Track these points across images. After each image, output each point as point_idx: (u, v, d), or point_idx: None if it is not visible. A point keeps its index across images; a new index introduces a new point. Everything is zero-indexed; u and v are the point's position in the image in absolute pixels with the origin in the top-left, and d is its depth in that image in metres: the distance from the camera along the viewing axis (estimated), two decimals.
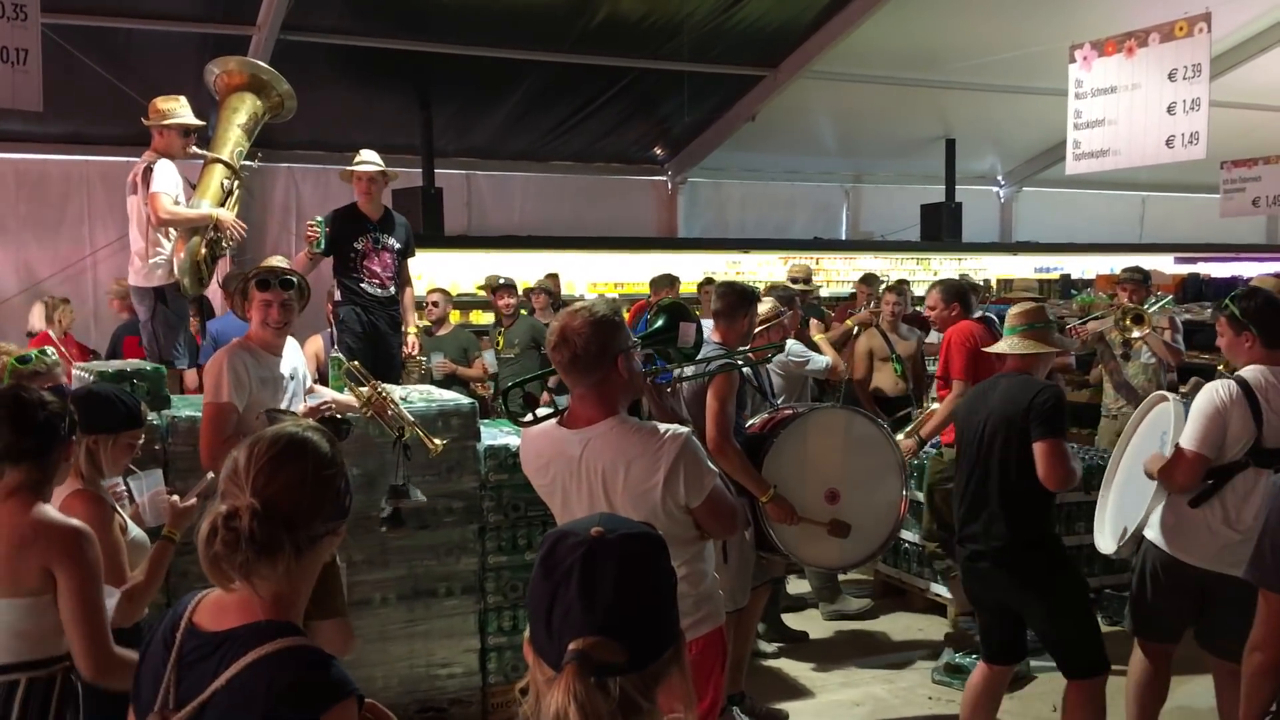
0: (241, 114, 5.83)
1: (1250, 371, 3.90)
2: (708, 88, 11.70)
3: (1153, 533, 4.07)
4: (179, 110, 5.67)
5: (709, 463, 2.98)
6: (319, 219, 5.97)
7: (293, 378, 4.24)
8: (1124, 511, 4.51)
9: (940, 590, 6.21)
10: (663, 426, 2.94)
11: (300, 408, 4.14)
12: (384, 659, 4.82)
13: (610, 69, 11.03)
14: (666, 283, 9.61)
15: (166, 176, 5.54)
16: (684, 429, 2.96)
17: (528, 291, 9.40)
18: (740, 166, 14.01)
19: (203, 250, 5.64)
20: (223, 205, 5.72)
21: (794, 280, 8.27)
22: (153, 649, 1.90)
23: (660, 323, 3.53)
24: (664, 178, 13.88)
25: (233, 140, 5.80)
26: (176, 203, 5.57)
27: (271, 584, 1.82)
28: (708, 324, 4.57)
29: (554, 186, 13.08)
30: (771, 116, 12.27)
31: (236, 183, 5.84)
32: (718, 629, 3.07)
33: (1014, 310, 4.41)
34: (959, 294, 6.13)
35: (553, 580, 1.46)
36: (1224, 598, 3.82)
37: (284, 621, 1.83)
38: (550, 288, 9.72)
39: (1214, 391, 3.90)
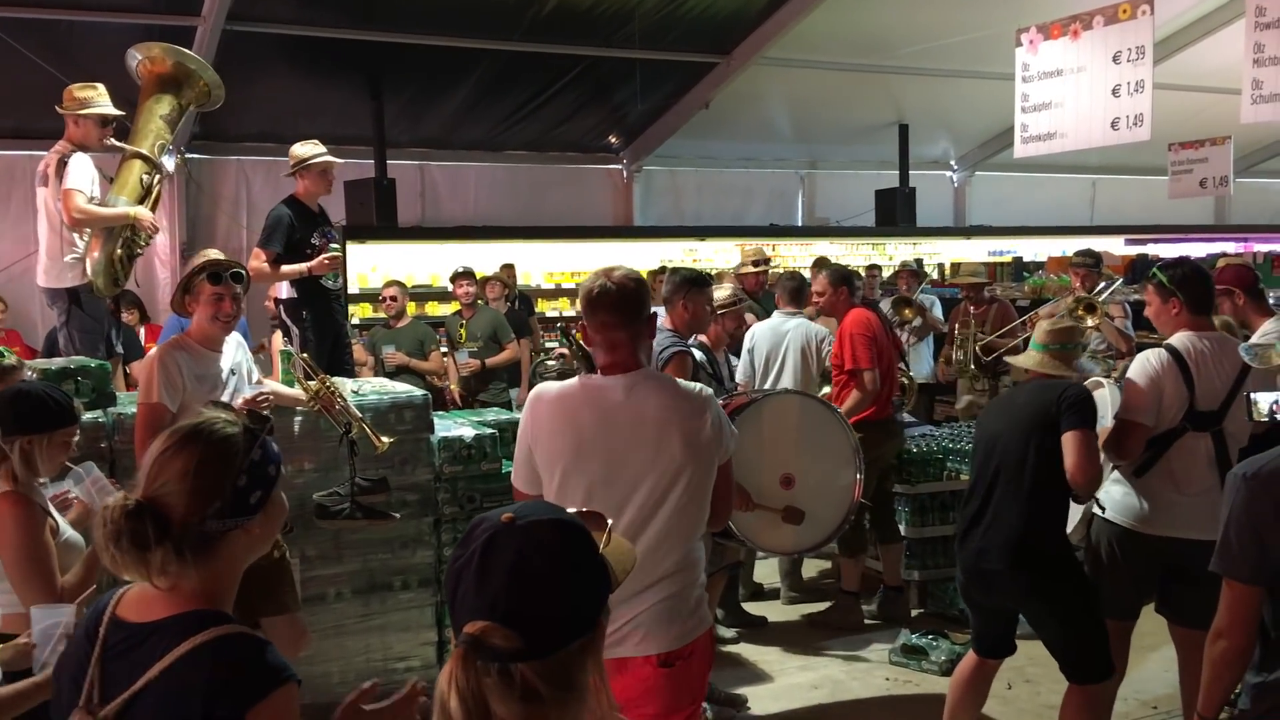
0: (164, 104, 5.49)
1: (1179, 339, 4.01)
2: (661, 75, 11.68)
3: (1105, 510, 4.13)
4: (96, 99, 5.37)
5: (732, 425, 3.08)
6: (336, 246, 5.80)
7: (234, 373, 4.16)
8: None
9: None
10: (689, 383, 3.05)
11: (239, 401, 4.09)
12: (340, 654, 4.79)
13: (562, 57, 10.99)
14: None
15: (81, 172, 5.25)
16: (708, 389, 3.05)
17: (482, 281, 9.35)
18: (695, 154, 14.03)
19: (119, 250, 5.35)
20: (142, 202, 5.40)
21: (755, 263, 8.26)
22: (72, 645, 1.88)
23: None
24: (619, 166, 13.86)
25: (153, 133, 5.46)
26: (91, 200, 5.29)
27: (171, 579, 1.80)
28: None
29: (508, 176, 13.02)
30: (725, 104, 12.28)
31: (158, 178, 5.50)
32: (711, 629, 3.09)
33: (1047, 326, 4.24)
34: (845, 279, 6.24)
35: (458, 564, 1.46)
36: (1183, 564, 3.90)
37: (213, 611, 1.81)
38: (504, 278, 9.68)
39: (1145, 361, 4.00)
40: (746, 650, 5.72)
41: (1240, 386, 3.93)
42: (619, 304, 2.92)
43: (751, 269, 8.17)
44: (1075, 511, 4.34)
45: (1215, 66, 11.64)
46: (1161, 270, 4.13)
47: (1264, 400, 3.27)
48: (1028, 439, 3.90)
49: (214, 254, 4.22)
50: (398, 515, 4.66)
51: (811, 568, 6.83)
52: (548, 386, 3.06)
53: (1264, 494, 2.50)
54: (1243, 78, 6.48)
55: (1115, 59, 7.30)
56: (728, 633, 5.86)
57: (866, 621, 6.05)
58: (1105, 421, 4.24)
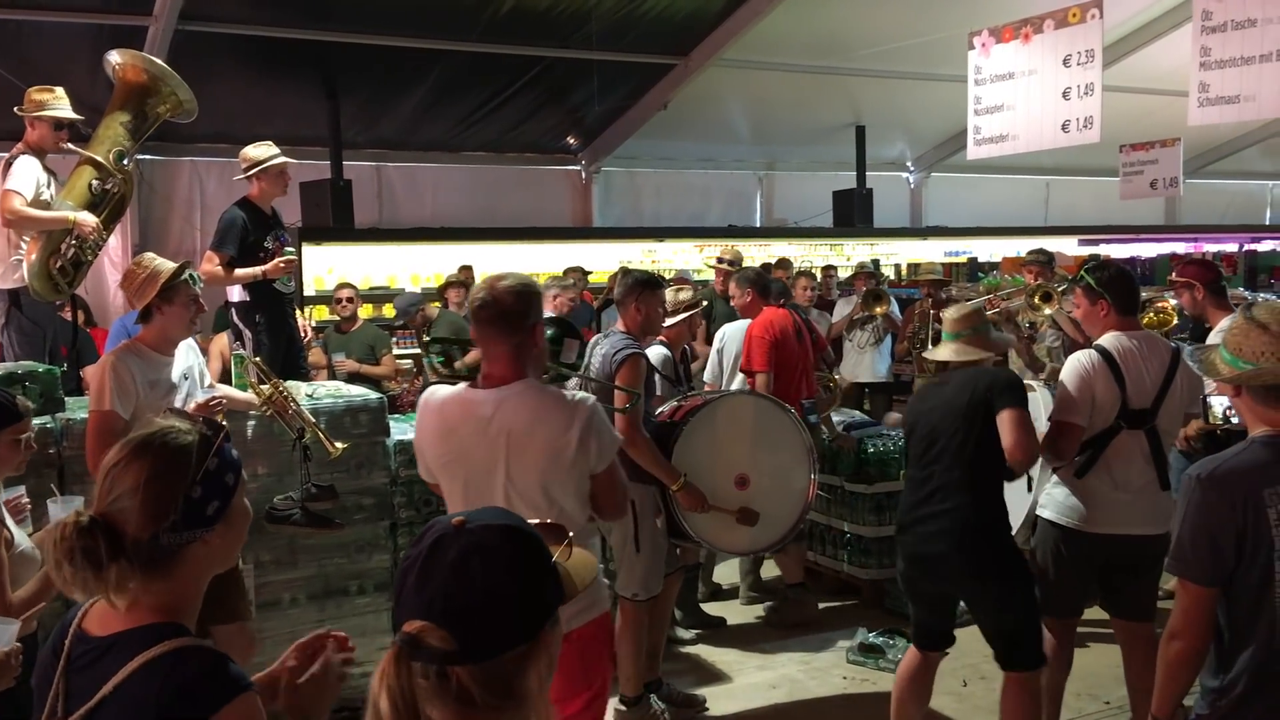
0: (127, 113, 5.40)
1: (1108, 339, 4.07)
2: (619, 77, 11.69)
3: (1048, 512, 4.17)
4: (53, 102, 5.32)
5: (616, 434, 3.05)
6: (291, 249, 5.74)
7: (186, 378, 4.13)
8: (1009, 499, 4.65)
9: (855, 571, 6.30)
10: (572, 392, 3.01)
11: (192, 406, 4.05)
12: None
13: (520, 58, 10.98)
14: (577, 273, 9.61)
15: (23, 173, 5.16)
16: (591, 395, 3.02)
17: (442, 288, 9.31)
18: (654, 155, 14.06)
19: (67, 255, 5.22)
20: (94, 208, 5.29)
21: (731, 261, 8.25)
22: (44, 657, 1.86)
23: (550, 333, 3.60)
24: (578, 167, 13.86)
25: (110, 139, 5.37)
26: (41, 203, 5.17)
27: (130, 595, 1.77)
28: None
29: (466, 177, 12.98)
30: (684, 105, 12.32)
31: (111, 185, 5.37)
32: (603, 615, 3.09)
33: (951, 315, 4.27)
34: (753, 281, 6.30)
35: (405, 564, 1.47)
36: (1125, 559, 3.99)
37: (169, 623, 1.79)
38: (465, 280, 9.64)
39: (1077, 362, 4.05)
40: (705, 651, 5.73)
41: (1170, 384, 4.01)
42: (496, 317, 2.95)
43: (725, 266, 8.14)
44: (1017, 515, 4.42)
45: (1165, 69, 11.83)
46: (1089, 273, 4.19)
47: (1218, 405, 3.33)
48: (964, 426, 3.95)
49: (154, 257, 4.18)
50: (343, 524, 4.62)
51: (772, 568, 6.86)
52: (435, 392, 3.13)
53: (1218, 496, 2.53)
54: (1190, 80, 6.58)
55: (1065, 62, 7.40)
56: (686, 634, 5.86)
57: (825, 621, 6.09)
58: (1039, 424, 4.30)
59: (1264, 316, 2.59)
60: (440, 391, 3.11)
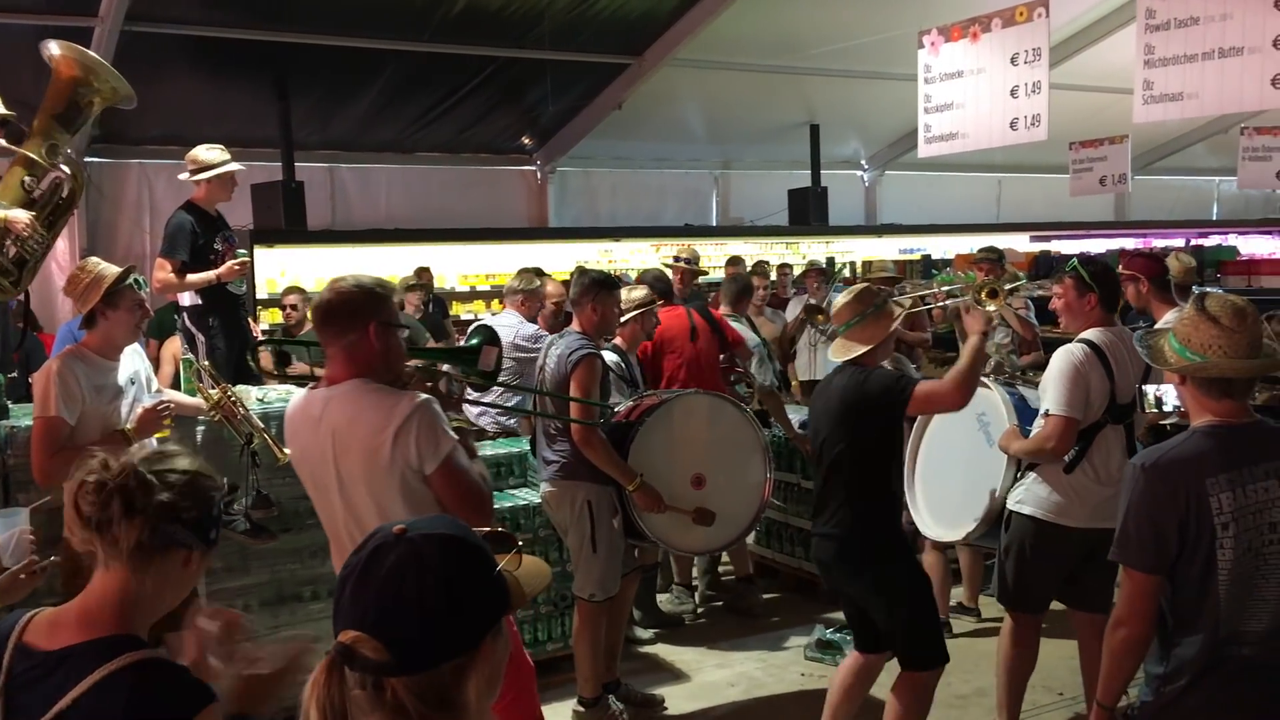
0: (60, 104, 5.12)
1: (1095, 334, 4.10)
2: (573, 76, 11.67)
3: (1027, 508, 4.15)
4: None
5: (449, 432, 2.96)
6: (243, 252, 5.67)
7: (133, 382, 4.09)
8: (959, 496, 4.67)
9: (813, 568, 6.33)
10: (405, 391, 2.97)
11: (139, 411, 4.00)
12: None
13: (473, 58, 10.92)
14: (534, 274, 9.53)
15: None
16: (426, 394, 2.96)
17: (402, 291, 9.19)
18: (609, 155, 14.05)
19: (5, 255, 4.87)
20: (30, 206, 4.99)
21: (689, 260, 8.23)
22: None
23: (474, 341, 3.62)
24: (533, 167, 13.81)
25: (42, 133, 5.08)
26: None
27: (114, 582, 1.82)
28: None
29: (421, 178, 12.90)
30: (638, 105, 12.31)
31: (47, 181, 5.07)
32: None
33: (835, 307, 4.13)
34: (649, 284, 6.15)
35: (345, 571, 1.45)
36: (1100, 551, 3.99)
37: (127, 636, 1.78)
38: (425, 283, 9.55)
39: (1069, 355, 4.03)
40: (663, 650, 5.74)
41: (1147, 379, 4.04)
42: (326, 317, 2.98)
43: (683, 265, 8.12)
44: (974, 513, 4.43)
45: (1112, 68, 11.98)
46: (1082, 265, 4.21)
47: (1171, 398, 3.38)
48: (840, 428, 3.93)
49: (98, 261, 4.12)
50: (277, 535, 4.56)
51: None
52: (296, 396, 3.17)
53: (1161, 484, 2.56)
54: (1135, 78, 6.67)
55: (1013, 60, 7.48)
56: (645, 633, 5.87)
57: (782, 618, 6.12)
58: (1005, 424, 4.32)
59: (1215, 309, 2.60)
60: (298, 396, 3.16)
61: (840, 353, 4.00)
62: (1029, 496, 4.16)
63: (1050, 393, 4.03)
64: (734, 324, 6.45)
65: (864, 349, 3.93)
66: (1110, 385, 4.01)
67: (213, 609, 2.13)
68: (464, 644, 1.42)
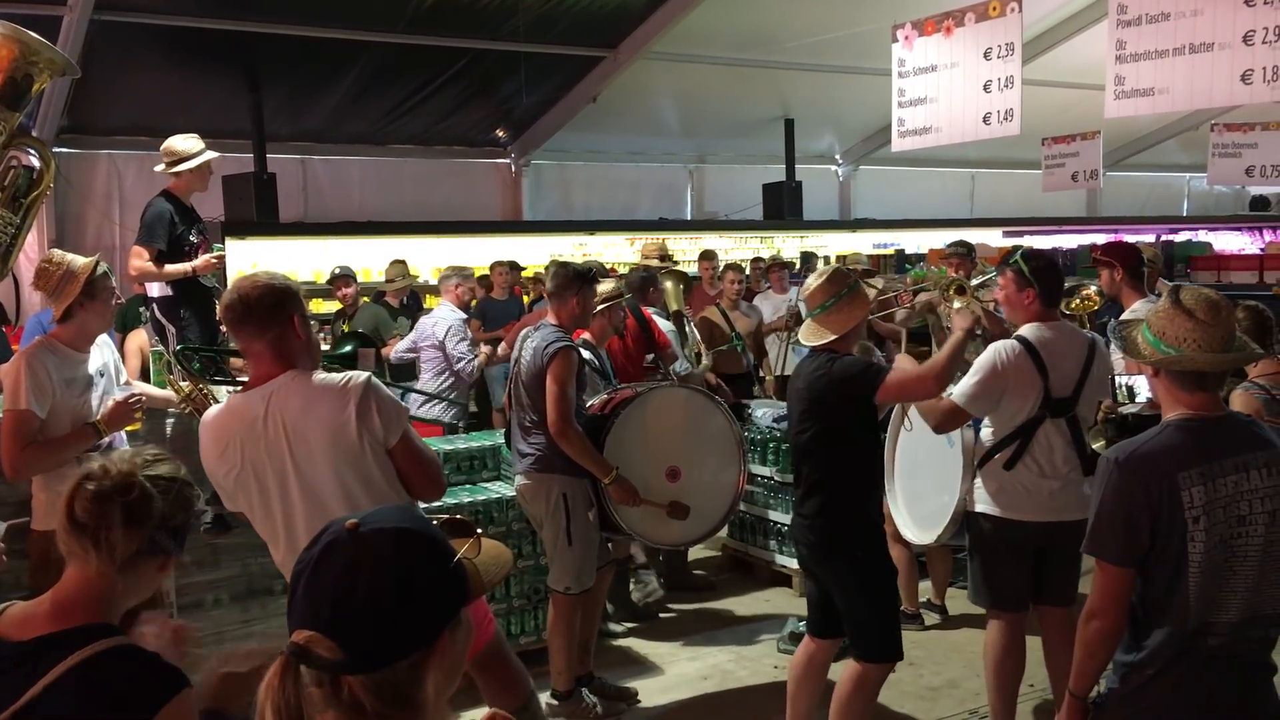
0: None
1: (1029, 330, 4.12)
2: (547, 69, 11.64)
3: (980, 505, 4.21)
4: None
5: (401, 404, 2.99)
6: (219, 246, 5.62)
7: (103, 374, 4.05)
8: (930, 499, 4.71)
9: (786, 562, 6.35)
10: (345, 372, 2.97)
11: (109, 402, 3.96)
12: None
13: (447, 50, 10.88)
14: (508, 267, 9.57)
15: None
16: (365, 373, 2.98)
17: (379, 292, 9.21)
18: (584, 148, 14.02)
19: None
20: None
21: (660, 257, 8.25)
22: None
23: (348, 348, 3.66)
24: (507, 160, 13.78)
25: None
26: None
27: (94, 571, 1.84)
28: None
29: (394, 170, 12.84)
30: (613, 98, 12.30)
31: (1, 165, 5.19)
32: None
33: (807, 290, 4.08)
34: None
35: (299, 568, 1.42)
36: (1057, 544, 4.05)
37: (101, 624, 1.80)
38: (404, 273, 9.52)
39: (996, 351, 4.07)
40: (636, 643, 5.74)
41: (1088, 373, 4.08)
42: (244, 315, 2.93)
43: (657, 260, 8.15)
44: (941, 516, 4.46)
45: (1085, 63, 12.04)
46: (1023, 259, 4.21)
47: (1142, 389, 3.41)
48: (808, 414, 3.95)
49: (64, 254, 4.07)
50: (233, 527, 4.52)
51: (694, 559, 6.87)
52: (209, 412, 3.10)
53: (1134, 478, 2.57)
54: (1106, 74, 6.70)
55: (986, 55, 7.50)
56: (618, 627, 5.86)
57: (755, 611, 6.14)
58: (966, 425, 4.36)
59: (1190, 303, 2.61)
60: (212, 411, 3.08)
61: (811, 337, 3.99)
62: (979, 495, 4.21)
63: (963, 379, 4.09)
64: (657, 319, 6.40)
65: (833, 335, 3.93)
66: (1044, 381, 4.02)
67: (156, 615, 2.14)
68: (420, 640, 1.39)
